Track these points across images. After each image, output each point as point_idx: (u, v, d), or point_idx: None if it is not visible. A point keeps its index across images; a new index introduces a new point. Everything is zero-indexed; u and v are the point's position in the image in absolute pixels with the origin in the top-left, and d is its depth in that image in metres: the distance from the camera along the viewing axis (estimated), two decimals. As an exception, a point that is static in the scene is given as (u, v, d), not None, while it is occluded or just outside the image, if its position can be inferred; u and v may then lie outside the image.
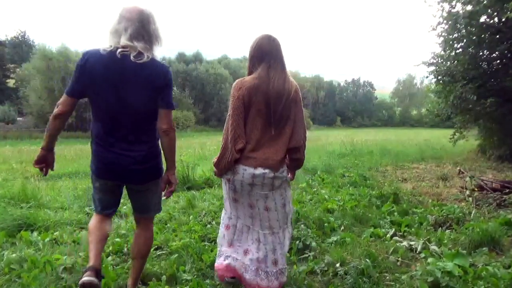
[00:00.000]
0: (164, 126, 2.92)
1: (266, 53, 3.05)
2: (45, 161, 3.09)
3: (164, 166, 3.15)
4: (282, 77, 3.04)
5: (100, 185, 3.08)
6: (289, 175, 3.29)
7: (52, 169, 3.15)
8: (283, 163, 3.12)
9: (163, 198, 3.23)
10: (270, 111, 3.00)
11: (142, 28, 2.85)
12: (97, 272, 2.80)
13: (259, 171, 3.00)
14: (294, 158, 3.17)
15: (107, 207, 3.15)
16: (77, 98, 2.90)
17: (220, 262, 3.35)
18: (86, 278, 2.72)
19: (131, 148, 2.92)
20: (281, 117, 3.03)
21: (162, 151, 3.08)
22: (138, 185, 3.09)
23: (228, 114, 3.05)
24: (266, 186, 3.07)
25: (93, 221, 3.11)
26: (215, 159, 3.11)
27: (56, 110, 2.91)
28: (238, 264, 3.26)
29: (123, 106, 2.84)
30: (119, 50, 2.78)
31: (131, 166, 2.93)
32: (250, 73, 3.14)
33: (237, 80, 3.12)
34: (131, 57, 2.77)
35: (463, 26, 10.75)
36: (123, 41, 2.79)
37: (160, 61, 2.94)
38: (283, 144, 3.07)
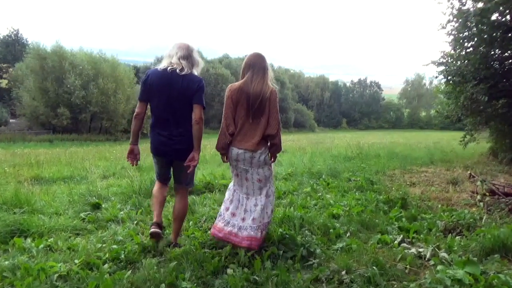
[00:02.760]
0: (196, 117, 4.36)
1: (252, 65, 4.43)
2: (133, 153, 4.69)
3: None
4: (261, 82, 4.35)
5: (156, 160, 4.77)
6: (272, 159, 4.56)
7: (138, 160, 4.76)
8: (260, 146, 4.39)
9: (189, 170, 4.46)
10: (249, 106, 4.32)
11: (187, 53, 4.50)
12: (159, 226, 4.62)
13: (241, 151, 4.39)
14: (272, 143, 4.44)
15: (162, 177, 4.86)
16: (145, 101, 4.56)
17: (218, 224, 4.53)
18: (152, 230, 4.52)
19: (173, 134, 4.47)
20: (257, 110, 4.33)
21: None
22: (178, 160, 4.57)
23: (224, 109, 4.45)
24: (246, 162, 4.43)
25: (155, 187, 4.90)
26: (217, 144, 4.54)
27: (135, 113, 4.57)
28: (226, 216, 4.54)
29: (170, 105, 4.42)
30: (169, 67, 4.40)
31: (173, 147, 4.49)
32: (241, 79, 4.49)
33: (229, 85, 4.52)
34: (177, 71, 4.38)
35: (473, 24, 10.75)
36: (174, 60, 4.45)
37: (196, 74, 4.52)
38: (260, 130, 4.35)
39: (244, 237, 4.34)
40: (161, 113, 4.48)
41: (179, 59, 4.45)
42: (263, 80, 4.37)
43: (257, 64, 4.42)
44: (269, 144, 4.46)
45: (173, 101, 4.40)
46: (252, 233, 4.33)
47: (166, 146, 4.51)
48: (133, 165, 4.77)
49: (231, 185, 4.75)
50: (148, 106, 4.61)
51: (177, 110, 4.43)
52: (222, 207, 4.64)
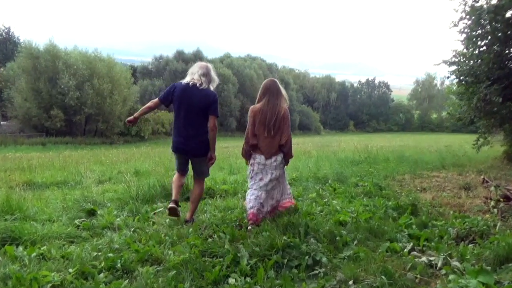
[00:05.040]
0: (211, 125, 5.90)
1: (268, 90, 5.96)
2: (134, 122, 6.05)
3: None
4: (276, 104, 5.87)
5: (176, 156, 6.23)
6: (284, 163, 6.16)
7: (134, 124, 6.24)
8: (277, 153, 5.97)
9: (209, 165, 6.21)
10: (268, 124, 5.83)
11: (206, 71, 6.00)
12: (176, 203, 5.95)
13: (262, 158, 5.95)
14: (283, 150, 6.01)
15: (180, 169, 6.30)
16: (162, 103, 6.01)
17: (250, 212, 5.88)
18: (170, 205, 5.86)
19: (191, 136, 5.89)
20: (273, 127, 5.83)
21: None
22: (195, 158, 6.11)
23: (247, 126, 6.00)
24: (270, 167, 5.98)
25: (175, 176, 6.35)
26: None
27: (148, 104, 6.13)
28: (258, 209, 5.88)
29: (189, 112, 5.84)
30: (191, 82, 5.87)
31: (189, 146, 5.95)
32: (259, 101, 5.99)
33: (251, 106, 6.03)
34: (197, 85, 5.83)
35: (487, 21, 10.75)
36: (196, 76, 5.91)
37: (212, 89, 5.99)
38: (276, 142, 5.90)
39: (274, 206, 6.15)
40: (181, 118, 5.89)
41: (200, 76, 5.91)
42: (277, 102, 5.90)
43: (272, 88, 5.96)
44: (281, 151, 6.02)
45: (191, 109, 5.83)
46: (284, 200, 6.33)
47: (184, 145, 5.96)
48: (127, 126, 6.33)
49: (251, 187, 6.14)
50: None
51: (194, 117, 5.86)
52: (252, 203, 5.94)
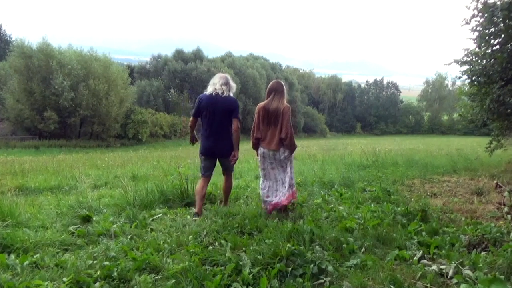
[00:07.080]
0: (234, 128, 6.89)
1: (274, 89, 6.88)
2: (194, 139, 7.49)
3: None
4: (278, 102, 6.78)
5: (204, 158, 7.16)
6: (288, 154, 6.91)
7: (197, 141, 7.47)
8: (279, 145, 6.75)
9: (232, 163, 7.12)
10: (269, 118, 6.78)
11: (226, 81, 7.02)
12: (199, 216, 6.66)
13: (266, 150, 6.87)
14: (285, 143, 6.76)
15: (207, 171, 7.19)
16: (197, 117, 7.08)
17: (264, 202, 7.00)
18: (193, 218, 6.55)
19: (218, 139, 6.92)
20: (275, 121, 6.75)
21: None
22: (223, 158, 7.13)
23: (254, 120, 6.94)
24: (271, 158, 6.90)
25: (199, 184, 7.15)
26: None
27: (189, 124, 7.26)
28: (265, 197, 6.96)
29: (214, 118, 6.85)
30: (213, 92, 6.85)
31: (217, 148, 6.99)
32: (266, 99, 6.92)
33: (258, 104, 6.97)
34: (219, 93, 6.84)
35: (500, 19, 10.71)
36: (218, 86, 6.89)
37: (232, 96, 7.03)
38: (277, 135, 6.72)
39: (283, 200, 6.74)
40: (209, 124, 6.91)
41: (221, 85, 6.92)
42: (280, 100, 6.80)
43: (277, 89, 6.89)
44: (283, 143, 6.78)
45: (217, 115, 6.85)
46: (286, 193, 6.81)
47: (212, 147, 7.00)
48: (193, 143, 7.57)
49: (261, 179, 7.21)
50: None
51: (219, 122, 6.87)
52: (261, 193, 7.11)
